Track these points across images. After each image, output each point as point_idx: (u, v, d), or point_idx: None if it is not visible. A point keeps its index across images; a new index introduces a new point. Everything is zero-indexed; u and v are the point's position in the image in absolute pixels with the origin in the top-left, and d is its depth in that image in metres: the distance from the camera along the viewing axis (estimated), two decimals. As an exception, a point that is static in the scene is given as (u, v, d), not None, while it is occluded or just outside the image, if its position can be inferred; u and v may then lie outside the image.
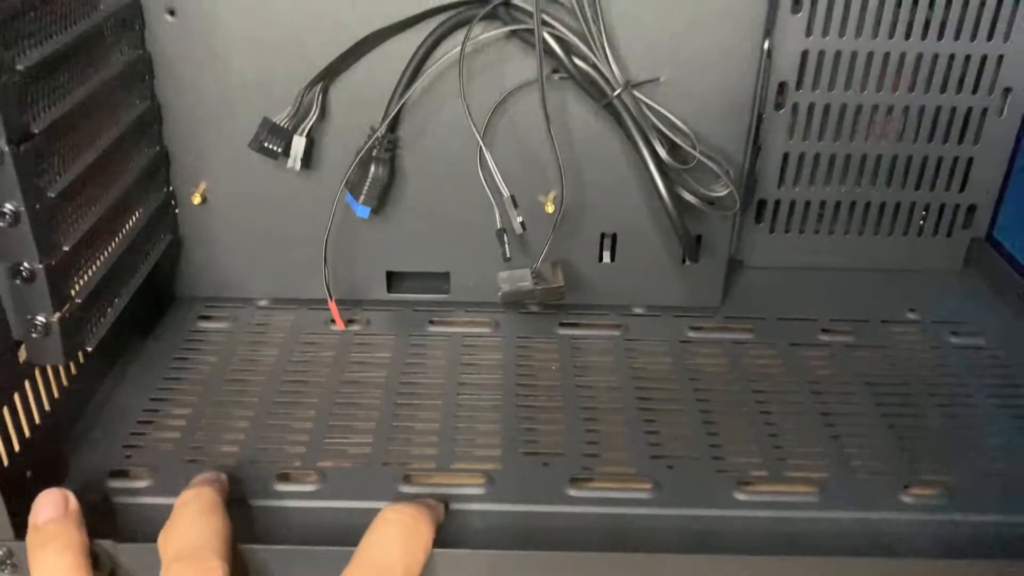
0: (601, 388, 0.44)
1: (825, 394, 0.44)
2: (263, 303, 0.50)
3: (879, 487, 0.38)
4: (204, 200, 0.47)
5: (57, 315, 0.35)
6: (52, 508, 0.33)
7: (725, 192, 0.42)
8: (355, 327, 0.48)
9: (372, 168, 0.43)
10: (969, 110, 0.50)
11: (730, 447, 0.40)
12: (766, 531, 0.36)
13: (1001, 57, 0.48)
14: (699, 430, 0.41)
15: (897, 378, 0.45)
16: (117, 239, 0.41)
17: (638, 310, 0.50)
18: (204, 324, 0.48)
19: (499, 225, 0.43)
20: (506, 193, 0.42)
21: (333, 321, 0.47)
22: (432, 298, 0.50)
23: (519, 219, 0.42)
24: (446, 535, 0.34)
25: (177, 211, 0.47)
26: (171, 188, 0.46)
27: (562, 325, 0.49)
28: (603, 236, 0.48)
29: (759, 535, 0.36)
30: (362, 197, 0.43)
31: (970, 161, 0.51)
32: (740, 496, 0.37)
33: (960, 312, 0.50)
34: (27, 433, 0.37)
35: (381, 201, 0.45)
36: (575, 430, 0.41)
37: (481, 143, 0.42)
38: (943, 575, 0.34)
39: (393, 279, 0.50)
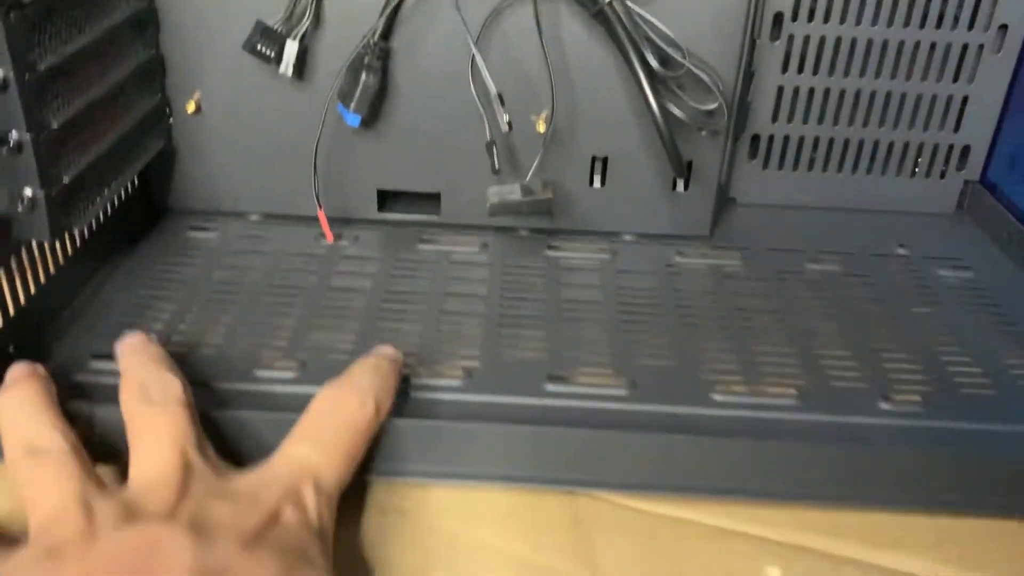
0: (585, 303, 0.44)
1: (809, 314, 0.44)
2: (255, 217, 0.50)
3: (857, 395, 0.38)
4: (198, 109, 0.47)
5: (44, 191, 0.36)
6: (20, 370, 0.33)
7: (715, 105, 0.42)
8: (344, 242, 0.48)
9: (363, 75, 0.43)
10: (964, 47, 0.50)
11: (709, 355, 0.40)
12: (741, 428, 0.36)
13: (998, -8, 0.48)
14: (679, 340, 0.41)
15: (882, 303, 0.45)
16: (107, 132, 0.41)
17: (627, 237, 0.50)
18: (195, 234, 0.48)
19: (488, 138, 0.44)
20: (494, 91, 0.42)
21: (323, 235, 0.47)
22: (422, 219, 0.50)
23: (506, 118, 0.42)
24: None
25: (171, 120, 0.48)
26: (165, 95, 0.47)
27: (551, 248, 0.49)
28: (594, 159, 0.48)
29: (735, 431, 0.36)
30: (353, 105, 0.44)
31: (964, 100, 0.51)
32: (717, 396, 0.37)
33: (950, 249, 0.50)
34: (11, 312, 0.37)
35: (372, 111, 0.45)
36: (556, 336, 0.41)
37: (474, 48, 0.42)
38: (911, 464, 0.34)
39: (384, 199, 0.50)
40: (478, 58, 0.42)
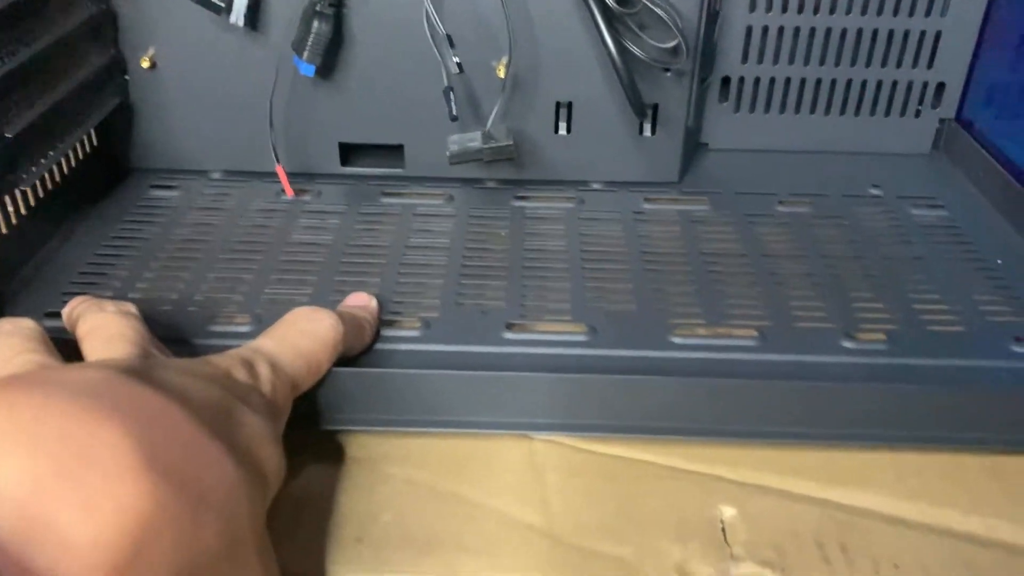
0: (549, 251, 0.43)
1: (776, 257, 0.43)
2: (217, 175, 0.49)
3: (820, 334, 0.37)
4: (153, 65, 0.46)
5: (-15, 146, 0.35)
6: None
7: (674, 43, 0.41)
8: (306, 197, 0.48)
9: (315, 23, 0.42)
10: (937, -20, 0.49)
11: (672, 300, 0.40)
12: (701, 369, 0.35)
13: (970, -77, 0.47)
14: (643, 286, 0.41)
15: (852, 244, 0.44)
16: (55, 87, 0.41)
17: (596, 185, 0.49)
18: (155, 192, 0.48)
19: (446, 83, 0.43)
20: (442, 32, 0.41)
21: (284, 191, 0.47)
22: (386, 172, 0.49)
23: (456, 60, 0.41)
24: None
25: (127, 77, 0.47)
26: (119, 50, 0.46)
27: (518, 198, 0.48)
28: (558, 106, 0.47)
29: (695, 372, 0.35)
30: (306, 54, 0.43)
31: (938, 36, 0.50)
32: (677, 339, 0.37)
33: (924, 189, 0.49)
34: (-37, 270, 0.37)
35: (328, 61, 0.44)
36: (517, 285, 0.41)
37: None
38: (870, 401, 0.33)
39: (347, 153, 0.49)
40: (426, 1, 0.41)
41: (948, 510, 0.31)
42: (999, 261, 0.43)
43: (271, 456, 0.27)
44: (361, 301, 0.38)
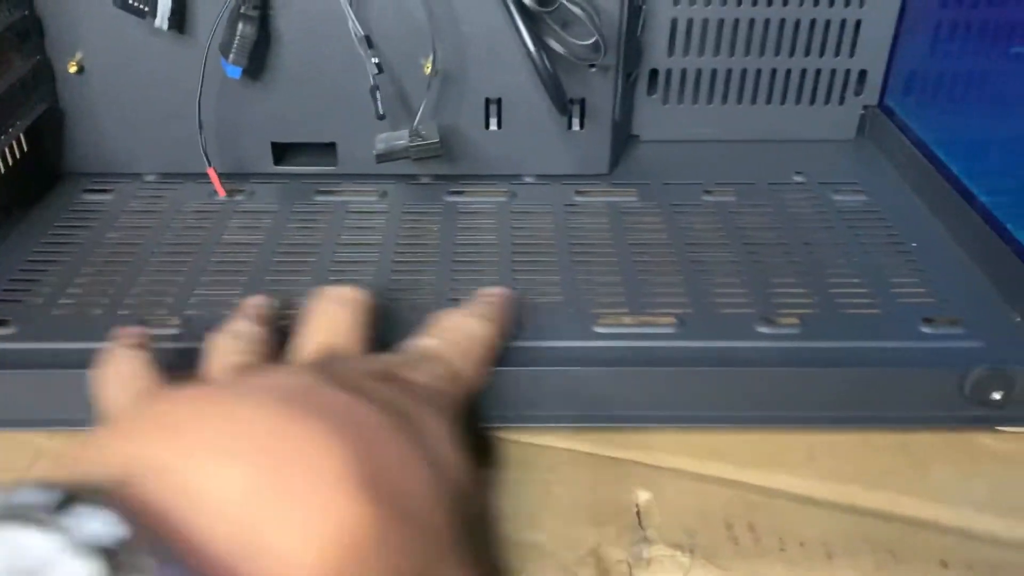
0: (480, 246, 0.44)
1: (700, 245, 0.44)
2: (151, 178, 0.50)
3: (737, 320, 0.38)
4: (81, 70, 0.46)
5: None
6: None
7: (592, 40, 0.42)
8: (239, 197, 0.48)
9: (240, 25, 0.43)
10: (854, -30, 0.50)
11: (597, 290, 0.41)
12: (621, 357, 0.36)
13: (885, -86, 0.48)
14: (569, 277, 0.42)
15: (775, 230, 0.45)
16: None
17: (528, 179, 0.50)
18: (88, 197, 0.48)
19: (372, 83, 0.43)
20: (359, 33, 0.41)
21: (217, 192, 0.47)
22: (320, 170, 0.50)
23: (375, 60, 0.42)
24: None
25: (56, 82, 0.47)
26: (46, 56, 0.46)
27: (450, 193, 0.49)
28: (488, 101, 0.48)
29: (616, 362, 0.36)
30: (232, 56, 0.43)
31: (858, 24, 0.51)
32: (599, 328, 0.38)
33: (847, 175, 0.51)
34: None
35: (256, 61, 0.45)
36: (444, 279, 0.41)
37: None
38: (782, 383, 0.35)
39: (280, 152, 0.49)
40: (343, 2, 0.41)
41: (855, 487, 0.33)
42: (914, 244, 0.44)
43: (457, 460, 0.27)
44: (489, 298, 0.37)
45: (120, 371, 0.32)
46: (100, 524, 0.17)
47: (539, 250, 0.44)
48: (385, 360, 0.30)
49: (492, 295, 0.37)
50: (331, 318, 0.33)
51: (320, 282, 0.41)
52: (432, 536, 0.23)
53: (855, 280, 0.42)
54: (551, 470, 0.33)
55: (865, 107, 0.54)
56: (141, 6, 0.43)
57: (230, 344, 0.32)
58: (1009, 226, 0.43)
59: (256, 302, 0.36)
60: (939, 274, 0.42)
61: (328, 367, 0.28)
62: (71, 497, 0.18)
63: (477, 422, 0.34)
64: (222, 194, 0.47)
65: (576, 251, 0.44)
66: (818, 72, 0.53)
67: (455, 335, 0.33)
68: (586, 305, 0.40)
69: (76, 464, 0.22)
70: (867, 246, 0.44)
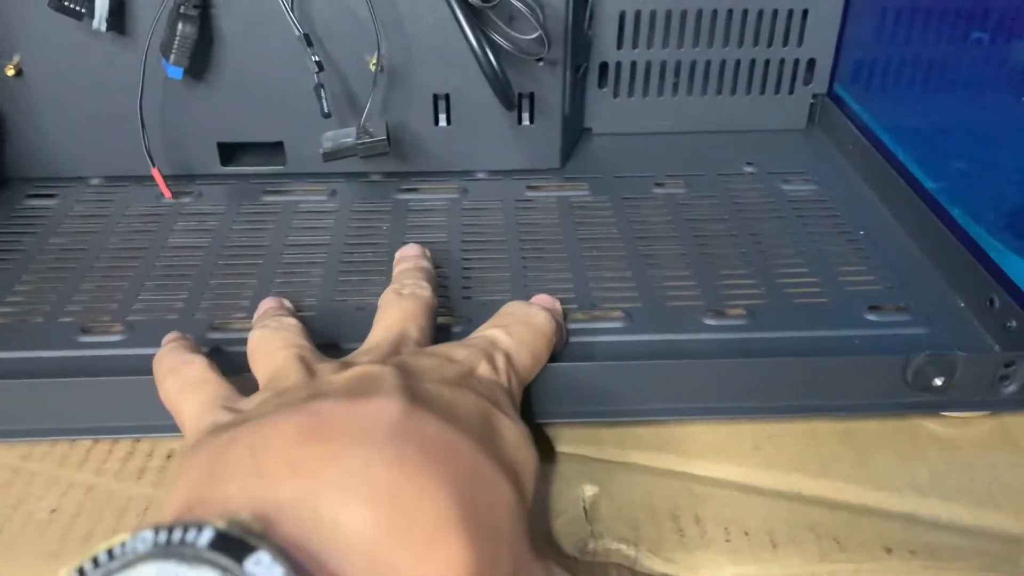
0: (429, 245, 0.44)
1: (651, 239, 0.44)
2: (96, 181, 0.49)
3: (685, 312, 0.39)
4: (19, 73, 0.45)
5: None
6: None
7: (535, 35, 0.42)
8: (186, 199, 0.47)
9: (180, 25, 0.42)
10: (799, -40, 0.50)
11: (547, 286, 0.40)
12: (570, 353, 0.36)
13: (828, -97, 0.49)
14: (519, 273, 0.41)
15: (725, 221, 0.46)
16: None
17: (480, 175, 0.50)
18: (31, 202, 0.47)
19: (316, 81, 0.43)
20: (298, 31, 0.41)
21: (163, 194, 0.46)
22: (268, 170, 0.49)
23: (315, 58, 0.41)
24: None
25: (-7, 86, 0.46)
26: (-20, 60, 0.45)
27: (401, 191, 0.48)
28: (436, 98, 0.48)
29: (565, 358, 0.36)
30: (172, 56, 0.42)
31: (805, 13, 0.52)
32: (547, 325, 0.38)
33: (796, 164, 0.51)
34: None
35: (199, 61, 0.44)
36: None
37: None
38: (726, 374, 0.35)
39: (227, 152, 0.49)
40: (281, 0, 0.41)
41: (800, 476, 0.33)
42: (861, 232, 0.45)
43: (529, 459, 0.28)
44: (546, 302, 0.37)
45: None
46: (257, 564, 0.18)
47: (490, 247, 0.44)
48: (455, 357, 0.30)
49: (542, 302, 0.37)
50: (402, 308, 0.35)
51: (268, 285, 0.40)
52: (516, 546, 0.24)
53: (803, 270, 0.42)
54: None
55: (814, 96, 0.55)
56: (77, 8, 0.42)
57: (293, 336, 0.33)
58: (954, 213, 0.43)
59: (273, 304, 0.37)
60: (886, 262, 0.42)
61: (405, 367, 0.28)
62: (224, 536, 0.18)
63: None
64: (168, 196, 0.46)
65: (527, 247, 0.44)
66: (767, 62, 0.53)
67: (522, 329, 0.33)
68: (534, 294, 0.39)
69: (205, 491, 0.22)
70: (815, 235, 0.44)
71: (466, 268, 0.42)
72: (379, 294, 0.40)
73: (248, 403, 0.29)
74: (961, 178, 0.46)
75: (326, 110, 0.43)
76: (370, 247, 0.43)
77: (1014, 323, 0.36)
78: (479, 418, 0.27)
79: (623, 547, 0.30)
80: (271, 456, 0.22)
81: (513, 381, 0.31)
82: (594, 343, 0.37)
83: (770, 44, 0.52)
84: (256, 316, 0.37)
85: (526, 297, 0.39)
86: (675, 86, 0.54)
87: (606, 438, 0.34)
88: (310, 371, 0.29)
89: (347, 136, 0.44)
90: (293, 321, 0.34)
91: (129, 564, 0.18)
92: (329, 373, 0.29)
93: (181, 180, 0.48)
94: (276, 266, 0.42)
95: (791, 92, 0.54)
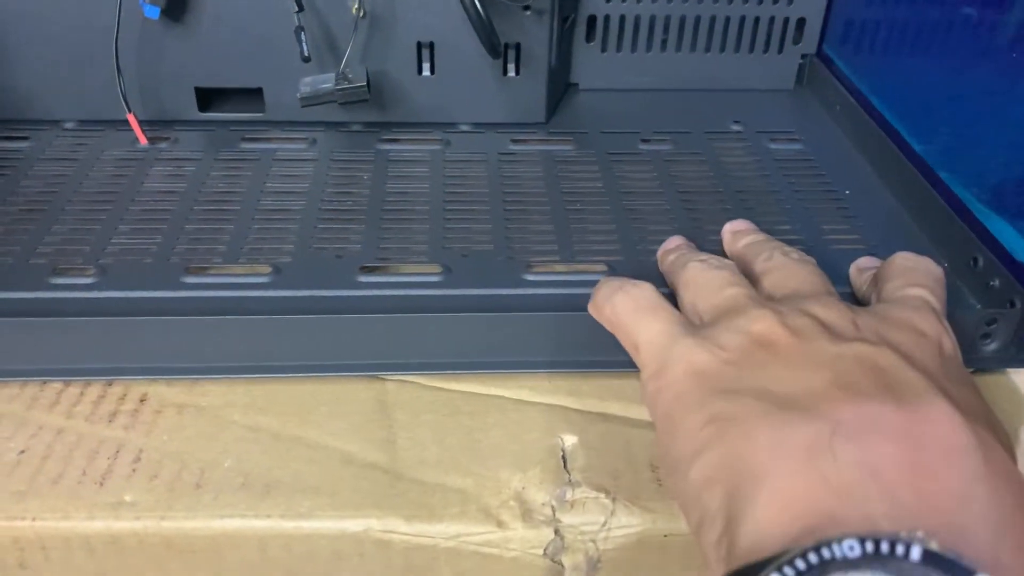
0: (411, 195, 0.43)
1: (635, 194, 0.44)
2: (70, 125, 0.47)
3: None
4: (-11, 9, 0.44)
5: None
6: None
7: (523, -20, 0.41)
8: (162, 145, 0.46)
9: (157, -38, 0.41)
10: (792, -85, 0.49)
11: (529, 238, 0.40)
12: (552, 306, 0.36)
13: None
14: (501, 226, 0.41)
15: (710, 178, 0.45)
16: None
17: (464, 127, 0.49)
18: (3, 144, 0.46)
19: (296, 23, 0.42)
20: None
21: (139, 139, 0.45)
22: (247, 117, 0.48)
23: None
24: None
25: (-38, 22, 0.44)
26: (-50, -6, 0.44)
27: (382, 141, 0.48)
28: (420, 46, 0.47)
29: (546, 308, 0.36)
30: (149, -5, 0.41)
31: (796, -29, 0.51)
32: (530, 276, 0.37)
33: (784, 123, 0.51)
34: None
35: (171, 1, 0.43)
36: (375, 229, 0.40)
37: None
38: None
39: (205, 98, 0.48)
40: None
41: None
42: (847, 192, 0.44)
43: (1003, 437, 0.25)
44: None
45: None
46: None
47: (472, 199, 0.43)
48: (922, 326, 0.27)
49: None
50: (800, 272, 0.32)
51: (245, 231, 0.40)
52: None
53: (787, 227, 0.41)
54: (481, 417, 0.33)
55: (803, 56, 0.54)
56: (50, -60, 0.40)
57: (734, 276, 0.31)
58: (941, 175, 0.43)
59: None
60: (870, 222, 0.42)
61: (900, 349, 0.26)
62: (933, 555, 0.18)
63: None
64: (143, 142, 0.45)
65: (510, 200, 0.43)
66: (757, 19, 0.52)
67: (940, 289, 0.30)
68: (518, 253, 0.39)
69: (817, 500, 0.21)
70: (801, 194, 0.44)
71: (448, 219, 0.41)
72: (356, 242, 0.39)
73: (720, 338, 0.27)
74: (948, 142, 0.46)
75: (306, 53, 0.42)
76: (350, 196, 0.43)
77: (997, 282, 0.36)
78: (988, 424, 0.24)
79: (601, 496, 0.30)
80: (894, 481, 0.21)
81: (956, 349, 0.28)
82: (575, 295, 0.36)
83: (760, 1, 0.52)
84: (666, 250, 0.37)
85: (510, 250, 0.39)
86: (664, 42, 0.53)
87: (585, 389, 0.34)
88: (789, 327, 0.27)
89: (326, 82, 0.43)
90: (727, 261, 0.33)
91: (840, 570, 0.18)
92: (815, 337, 0.26)
93: (157, 126, 0.47)
94: (254, 212, 0.41)
95: (780, 51, 0.54)
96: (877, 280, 0.33)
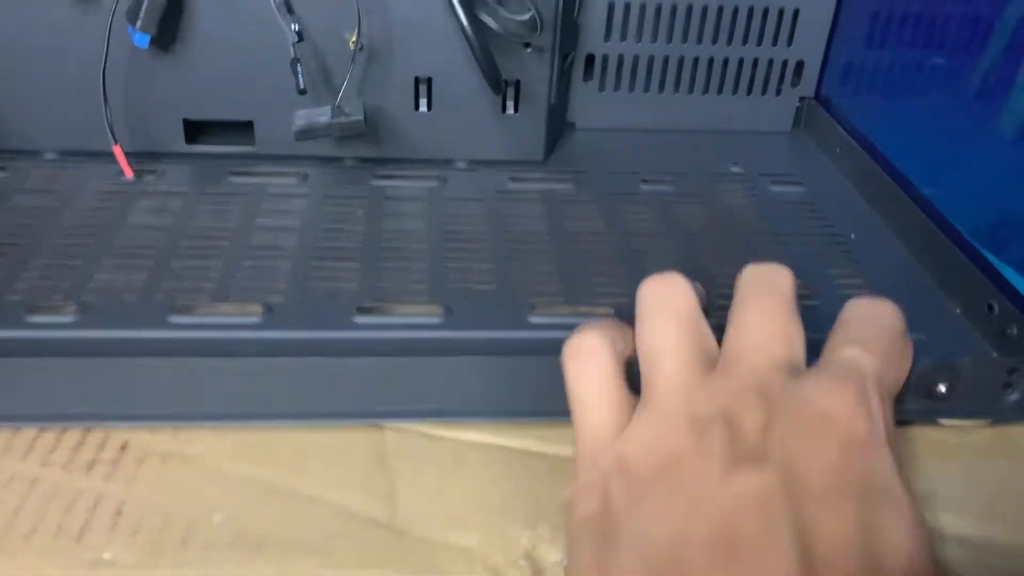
0: (408, 232, 0.42)
1: (636, 235, 0.42)
2: (50, 156, 0.46)
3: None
4: (-29, 36, 0.42)
5: None
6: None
7: (527, 15, 0.40)
8: (148, 178, 0.44)
9: (149, -10, 0.40)
10: (793, -41, 0.49)
11: (531, 279, 0.38)
12: (557, 349, 0.34)
13: (822, -99, 0.48)
14: (502, 266, 0.39)
15: (711, 220, 0.44)
16: None
17: (460, 164, 0.48)
18: (-22, 175, 0.44)
19: (292, 54, 0.40)
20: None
21: (124, 172, 0.43)
22: (236, 150, 0.47)
23: (295, 27, 0.39)
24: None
25: (-60, 48, 0.43)
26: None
27: (377, 177, 0.46)
28: (418, 81, 0.45)
29: (552, 352, 0.34)
30: (139, 23, 0.40)
31: (796, 13, 0.51)
32: (534, 319, 0.36)
33: (784, 166, 0.50)
34: None
35: (167, 29, 0.41)
36: (372, 267, 0.39)
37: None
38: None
39: (193, 130, 0.46)
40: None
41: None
42: (852, 236, 0.43)
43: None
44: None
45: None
46: None
47: (471, 238, 0.41)
48: (822, 417, 0.24)
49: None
50: (768, 314, 0.29)
51: (234, 269, 0.38)
52: None
53: (795, 272, 0.40)
54: (486, 468, 0.31)
55: (802, 98, 0.54)
56: (37, -35, 0.39)
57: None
58: (950, 218, 0.42)
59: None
60: (878, 266, 0.41)
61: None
62: None
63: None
64: (129, 175, 0.43)
65: (510, 239, 0.42)
66: (755, 62, 0.52)
67: (878, 336, 0.28)
68: (521, 294, 0.38)
69: None
70: (806, 238, 0.43)
71: (448, 258, 0.40)
72: (352, 280, 0.38)
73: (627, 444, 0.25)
74: (955, 185, 0.45)
75: (302, 86, 0.41)
76: (344, 233, 0.41)
77: (1015, 329, 0.35)
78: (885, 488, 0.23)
79: (616, 554, 0.28)
80: None
81: (890, 423, 0.25)
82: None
83: (759, 43, 0.51)
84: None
85: (512, 291, 0.37)
86: (661, 82, 0.52)
87: (595, 439, 0.32)
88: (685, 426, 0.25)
89: (322, 115, 0.41)
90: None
91: None
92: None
93: (143, 158, 0.45)
94: (244, 249, 0.39)
95: (778, 93, 0.53)
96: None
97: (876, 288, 0.39)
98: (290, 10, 0.39)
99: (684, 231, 0.43)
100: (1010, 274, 0.39)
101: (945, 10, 0.48)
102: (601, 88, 0.52)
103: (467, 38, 0.39)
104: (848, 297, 0.38)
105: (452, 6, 0.38)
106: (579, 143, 0.52)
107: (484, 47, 0.39)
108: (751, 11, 0.50)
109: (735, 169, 0.49)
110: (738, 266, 0.40)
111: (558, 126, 0.51)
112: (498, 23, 0.40)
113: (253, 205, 0.43)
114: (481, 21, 0.40)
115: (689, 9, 0.50)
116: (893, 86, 0.50)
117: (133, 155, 0.44)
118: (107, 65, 0.41)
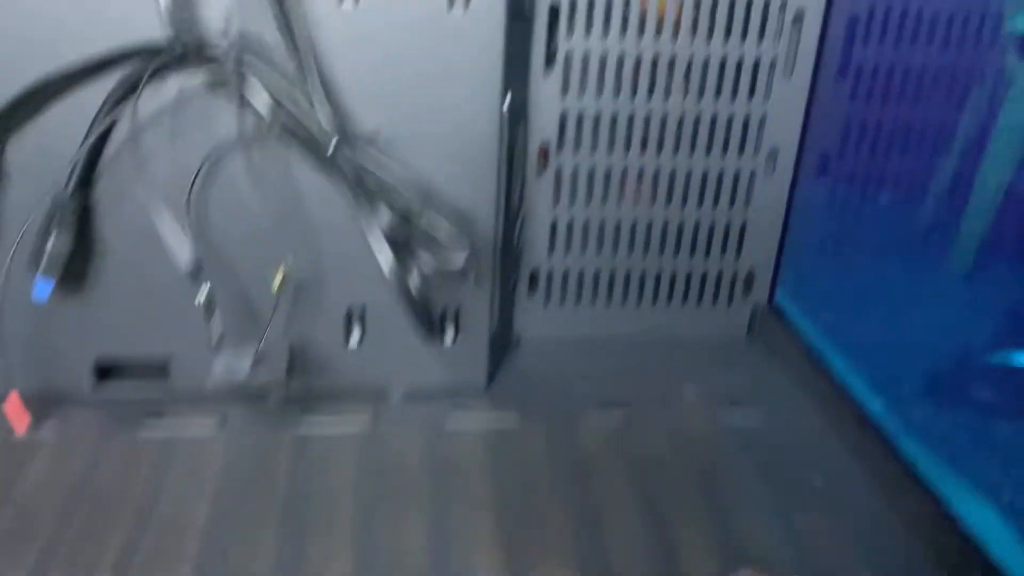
0: (328, 498, 0.37)
1: (588, 482, 0.39)
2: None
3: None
4: None
5: None
6: None
7: (464, 254, 0.38)
8: (47, 432, 0.40)
9: (53, 235, 0.36)
10: (737, 173, 0.48)
11: (469, 546, 0.35)
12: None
13: (764, 116, 0.47)
14: (434, 525, 0.35)
15: (666, 459, 0.41)
16: None
17: (396, 396, 0.44)
18: None
19: (201, 299, 0.37)
20: (185, 265, 0.36)
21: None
22: (150, 390, 0.42)
23: (202, 296, 0.36)
24: None
25: None
26: None
27: (303, 415, 0.42)
28: (350, 312, 0.42)
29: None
30: (42, 269, 0.36)
31: (743, 226, 0.49)
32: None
33: (738, 383, 0.47)
34: None
35: (75, 271, 0.38)
36: (290, 541, 0.34)
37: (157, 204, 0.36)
38: None
39: (103, 370, 0.42)
40: (156, 217, 0.36)
41: None
42: (816, 481, 0.40)
43: None
44: None
45: None
46: None
47: (403, 496, 0.37)
48: None
49: None
50: None
51: (135, 543, 0.33)
52: None
53: (757, 525, 0.37)
54: None
55: (754, 306, 0.52)
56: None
57: None
58: (912, 448, 0.40)
59: None
60: (847, 522, 0.37)
61: None
62: None
63: None
64: (20, 432, 0.39)
65: (449, 493, 0.38)
66: (705, 273, 0.50)
67: None
68: (460, 567, 0.33)
69: None
70: (769, 483, 0.40)
71: (373, 521, 0.35)
72: (270, 561, 0.33)
73: None
74: (908, 394, 0.43)
75: (215, 341, 0.37)
76: (259, 503, 0.37)
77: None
78: None
79: None
80: None
81: None
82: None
83: (707, 255, 0.50)
84: None
85: (450, 563, 0.33)
86: (608, 294, 0.50)
87: None
88: None
89: (240, 368, 0.38)
90: None
91: None
92: None
93: (46, 403, 0.41)
94: (147, 520, 0.35)
95: (730, 303, 0.51)
96: None
97: (853, 553, 0.36)
98: (200, 270, 0.36)
99: (640, 475, 0.39)
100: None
101: (889, 220, 0.47)
102: (546, 303, 0.50)
103: (394, 288, 0.36)
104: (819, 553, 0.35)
105: (375, 255, 0.36)
106: (525, 359, 0.49)
107: (409, 293, 0.36)
108: (697, 225, 0.49)
109: (689, 390, 0.46)
110: (710, 523, 0.37)
111: (501, 346, 0.49)
112: (434, 259, 0.37)
113: (162, 463, 0.38)
114: (412, 260, 0.37)
115: (634, 225, 0.48)
116: (846, 293, 0.48)
117: (37, 398, 0.40)
118: (4, 311, 0.37)
